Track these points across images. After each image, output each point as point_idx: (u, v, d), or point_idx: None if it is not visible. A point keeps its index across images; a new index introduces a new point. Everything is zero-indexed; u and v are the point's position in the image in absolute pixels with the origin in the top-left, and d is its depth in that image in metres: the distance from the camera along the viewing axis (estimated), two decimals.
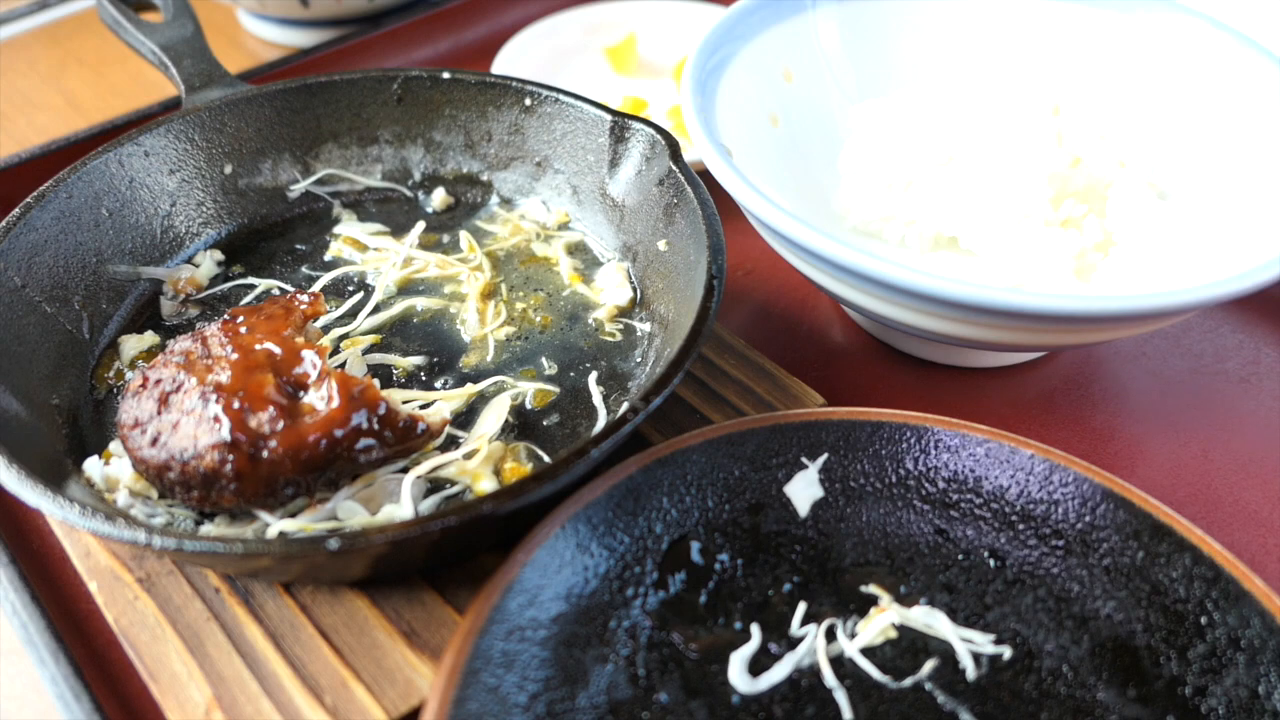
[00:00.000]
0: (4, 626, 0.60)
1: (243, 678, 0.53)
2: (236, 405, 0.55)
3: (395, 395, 0.64)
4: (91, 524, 0.50)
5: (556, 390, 0.66)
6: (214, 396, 0.56)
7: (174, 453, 0.55)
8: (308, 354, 0.59)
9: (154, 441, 0.56)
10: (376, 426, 0.57)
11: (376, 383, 0.60)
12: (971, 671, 0.52)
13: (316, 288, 0.73)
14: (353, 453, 0.56)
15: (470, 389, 0.66)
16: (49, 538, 0.63)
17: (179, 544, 0.49)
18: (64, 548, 0.61)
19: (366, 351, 0.69)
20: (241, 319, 0.62)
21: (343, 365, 0.67)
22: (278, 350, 0.59)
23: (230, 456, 0.54)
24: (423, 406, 0.64)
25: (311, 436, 0.55)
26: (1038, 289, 0.70)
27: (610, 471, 0.56)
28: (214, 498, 0.55)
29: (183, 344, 0.61)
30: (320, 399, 0.57)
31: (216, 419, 0.55)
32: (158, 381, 0.58)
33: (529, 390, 0.66)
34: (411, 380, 0.67)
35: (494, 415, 0.64)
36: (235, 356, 0.58)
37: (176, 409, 0.57)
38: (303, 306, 0.64)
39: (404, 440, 0.58)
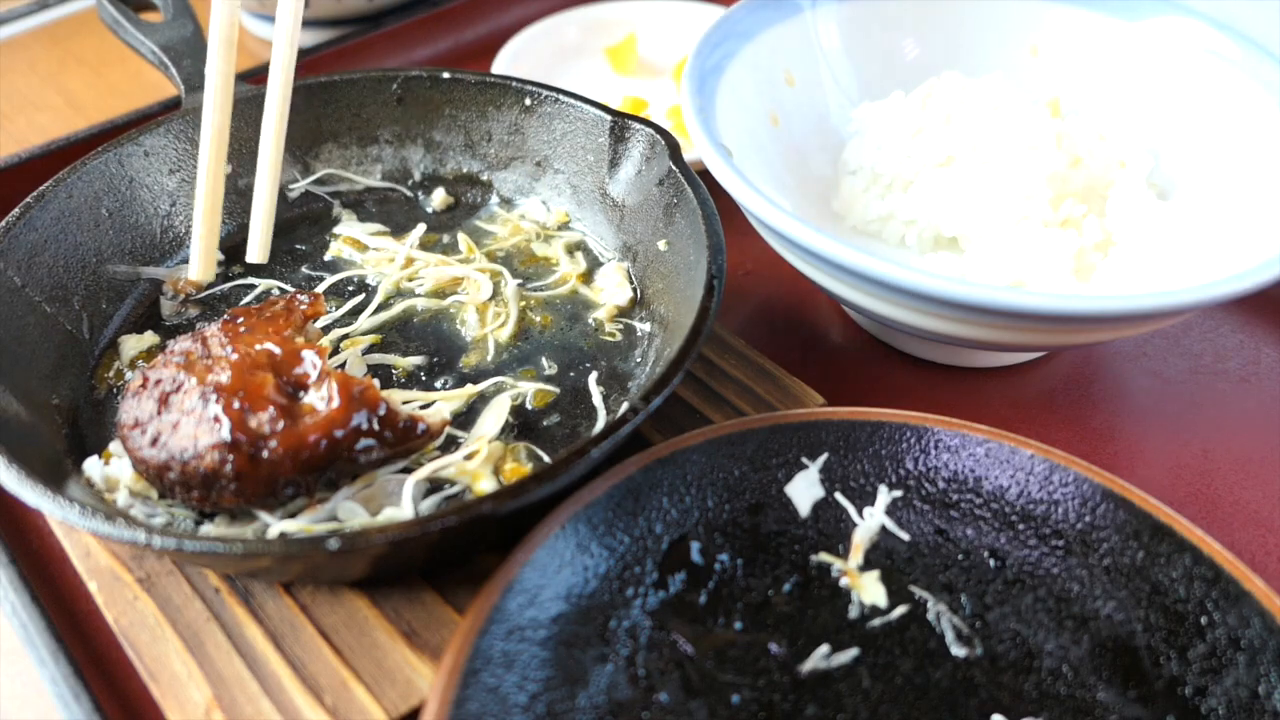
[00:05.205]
0: (4, 626, 0.60)
1: (243, 678, 0.53)
2: (236, 405, 0.55)
3: (395, 395, 0.64)
4: (91, 524, 0.50)
5: (556, 390, 0.66)
6: (214, 396, 0.56)
7: (174, 453, 0.55)
8: (308, 354, 0.59)
9: (154, 441, 0.56)
10: (377, 427, 0.57)
11: (376, 383, 0.60)
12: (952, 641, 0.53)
13: (320, 289, 0.73)
14: (353, 453, 0.56)
15: (470, 389, 0.66)
16: (49, 538, 0.63)
17: (179, 544, 0.49)
18: (64, 548, 0.61)
19: (366, 351, 0.69)
20: (241, 319, 0.62)
21: (343, 365, 0.67)
22: (278, 350, 0.59)
23: (230, 456, 0.54)
24: (423, 407, 0.64)
25: (312, 437, 0.55)
26: (1038, 289, 0.70)
27: (610, 471, 0.56)
28: (214, 498, 0.55)
29: (183, 344, 0.61)
30: (320, 399, 0.57)
31: (216, 419, 0.55)
32: (158, 381, 0.58)
33: (529, 390, 0.66)
34: (411, 380, 0.67)
35: (494, 415, 0.64)
36: (235, 356, 0.58)
37: (176, 409, 0.57)
38: (303, 307, 0.64)
39: (404, 441, 0.58)
